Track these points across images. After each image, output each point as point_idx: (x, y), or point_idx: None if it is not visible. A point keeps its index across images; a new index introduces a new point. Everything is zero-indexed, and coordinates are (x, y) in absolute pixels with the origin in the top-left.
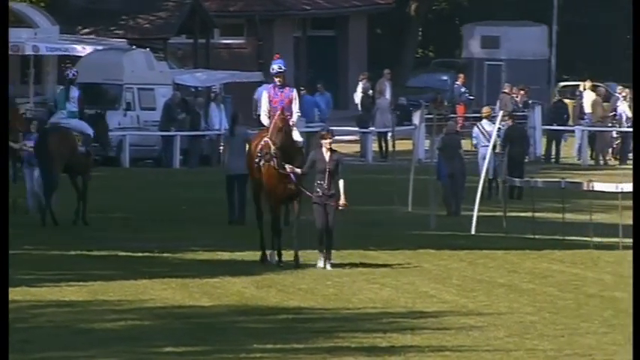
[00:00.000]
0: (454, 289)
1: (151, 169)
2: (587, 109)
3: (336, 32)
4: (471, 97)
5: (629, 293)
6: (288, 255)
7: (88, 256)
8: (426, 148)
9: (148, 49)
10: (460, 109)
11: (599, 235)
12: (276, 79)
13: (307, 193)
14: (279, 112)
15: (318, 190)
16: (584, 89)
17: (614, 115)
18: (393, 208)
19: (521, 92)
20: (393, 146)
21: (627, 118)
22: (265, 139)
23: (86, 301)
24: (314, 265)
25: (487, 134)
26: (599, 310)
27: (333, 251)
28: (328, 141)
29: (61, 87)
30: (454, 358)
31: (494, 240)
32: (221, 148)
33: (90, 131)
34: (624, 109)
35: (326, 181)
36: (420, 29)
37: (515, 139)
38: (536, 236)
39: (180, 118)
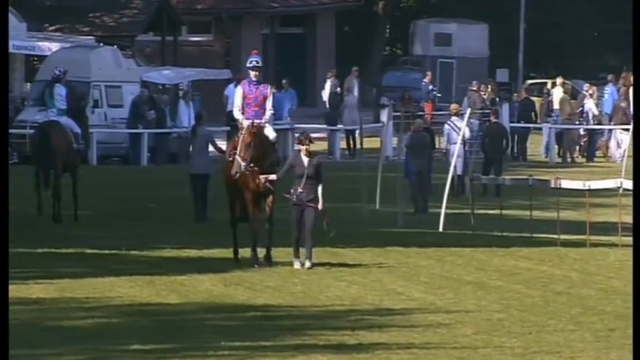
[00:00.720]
0: (422, 287)
1: (118, 166)
2: (556, 106)
3: (305, 30)
4: (438, 95)
5: (596, 290)
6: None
7: (55, 254)
8: (394, 145)
9: (115, 46)
10: (428, 106)
11: (567, 233)
12: (252, 74)
13: (287, 195)
14: (247, 125)
15: (294, 196)
16: (553, 86)
17: (582, 112)
18: (360, 205)
19: (489, 89)
20: (361, 144)
21: (594, 115)
22: (236, 157)
23: (53, 299)
24: (287, 264)
25: (459, 131)
26: (566, 307)
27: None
28: (306, 147)
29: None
30: (422, 355)
31: (462, 237)
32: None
33: (78, 130)
34: (591, 106)
35: (302, 186)
36: (388, 27)
37: (493, 136)
38: (504, 234)
39: (147, 116)
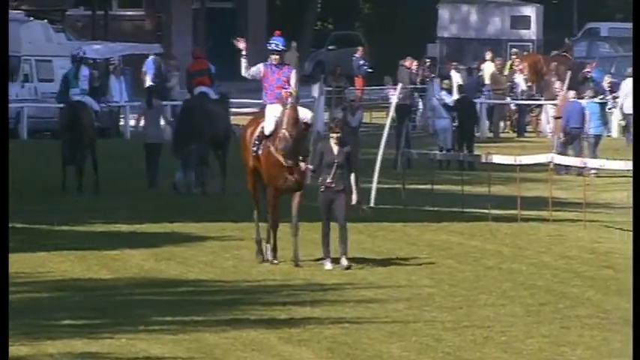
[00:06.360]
0: (353, 262)
1: (49, 141)
2: (487, 81)
3: (235, 4)
4: (370, 70)
5: (527, 265)
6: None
7: None
8: (326, 120)
9: (45, 20)
10: (359, 81)
11: (498, 208)
12: (272, 57)
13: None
14: (289, 103)
15: (322, 186)
16: (484, 61)
17: (512, 87)
18: None
19: (421, 66)
20: None
21: (522, 90)
22: (283, 131)
23: None
24: (218, 238)
25: (446, 106)
26: (497, 282)
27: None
28: (337, 134)
29: (70, 66)
30: (353, 330)
31: (394, 212)
32: (121, 119)
33: (97, 107)
34: (520, 81)
35: (331, 176)
36: (319, 2)
37: (465, 111)
38: (435, 208)
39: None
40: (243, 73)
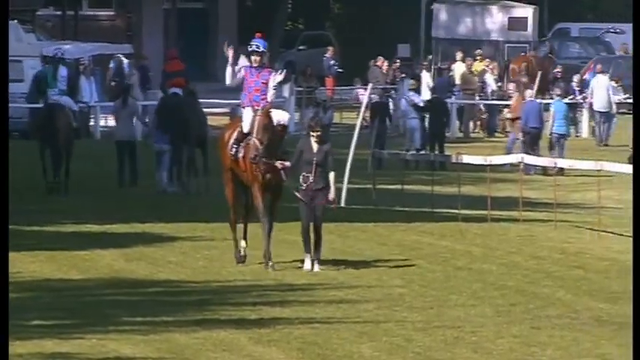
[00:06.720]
0: (323, 262)
1: (18, 141)
2: (457, 81)
3: (206, 5)
4: (341, 70)
5: (497, 265)
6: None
7: None
8: (296, 120)
9: (15, 20)
10: (329, 81)
11: (468, 208)
12: (252, 59)
13: (297, 195)
14: (261, 108)
15: (303, 183)
16: (455, 61)
17: (482, 87)
18: None
19: (391, 66)
20: None
21: (492, 90)
22: (254, 139)
23: None
24: (189, 239)
25: (415, 106)
26: (467, 282)
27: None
28: (317, 132)
29: (47, 65)
30: (323, 330)
31: (364, 213)
32: (91, 120)
33: (76, 107)
34: (490, 81)
35: (312, 175)
36: (290, 2)
37: (436, 112)
38: (406, 209)
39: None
40: (228, 82)
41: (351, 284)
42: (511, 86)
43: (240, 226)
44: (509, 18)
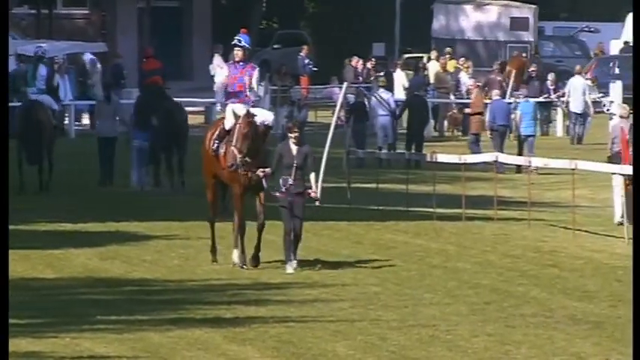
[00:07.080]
0: (298, 261)
1: None
2: (432, 80)
3: (181, 3)
4: (315, 69)
5: (471, 264)
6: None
7: None
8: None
9: None
10: (304, 80)
11: (443, 207)
12: (235, 53)
13: (275, 194)
14: (243, 115)
15: (283, 186)
16: (429, 60)
17: (457, 86)
18: None
19: (367, 64)
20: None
21: (467, 89)
22: (232, 148)
23: None
24: (164, 237)
25: (384, 102)
26: (442, 281)
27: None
28: (295, 134)
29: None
30: (298, 329)
31: (339, 211)
32: (66, 118)
33: (56, 106)
34: (465, 80)
35: (292, 177)
36: (265, 0)
37: (415, 109)
38: (381, 207)
39: (23, 90)
40: (217, 88)
41: (326, 283)
42: (470, 82)
43: (218, 225)
44: (511, 18)
